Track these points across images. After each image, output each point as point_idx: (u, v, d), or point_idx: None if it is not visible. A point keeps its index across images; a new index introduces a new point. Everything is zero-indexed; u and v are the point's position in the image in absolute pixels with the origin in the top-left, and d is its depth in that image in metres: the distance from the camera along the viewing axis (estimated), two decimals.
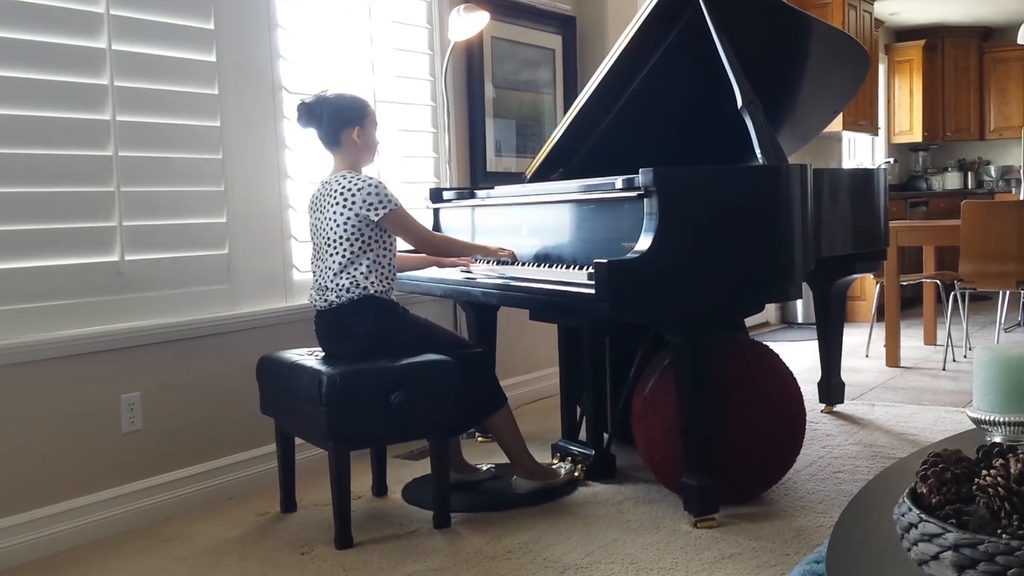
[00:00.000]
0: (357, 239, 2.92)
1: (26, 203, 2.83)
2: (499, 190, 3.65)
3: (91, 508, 2.92)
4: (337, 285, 2.94)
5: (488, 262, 3.34)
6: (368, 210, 2.90)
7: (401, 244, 3.13)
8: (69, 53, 2.92)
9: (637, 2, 5.27)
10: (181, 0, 3.21)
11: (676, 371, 2.85)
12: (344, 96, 3.06)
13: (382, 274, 2.98)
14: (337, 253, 2.94)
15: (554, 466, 3.30)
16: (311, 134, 3.06)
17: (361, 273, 2.93)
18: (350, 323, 2.94)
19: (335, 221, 2.94)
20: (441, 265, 3.42)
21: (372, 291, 2.94)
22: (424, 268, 3.49)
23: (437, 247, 3.27)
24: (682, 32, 3.29)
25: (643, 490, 3.20)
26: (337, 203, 2.94)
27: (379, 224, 2.93)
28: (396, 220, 2.96)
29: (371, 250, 2.95)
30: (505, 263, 3.28)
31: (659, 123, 3.58)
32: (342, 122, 2.99)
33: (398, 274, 3.15)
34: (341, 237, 2.93)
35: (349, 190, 2.92)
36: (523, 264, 3.23)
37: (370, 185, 2.92)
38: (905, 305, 6.42)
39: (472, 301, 3.63)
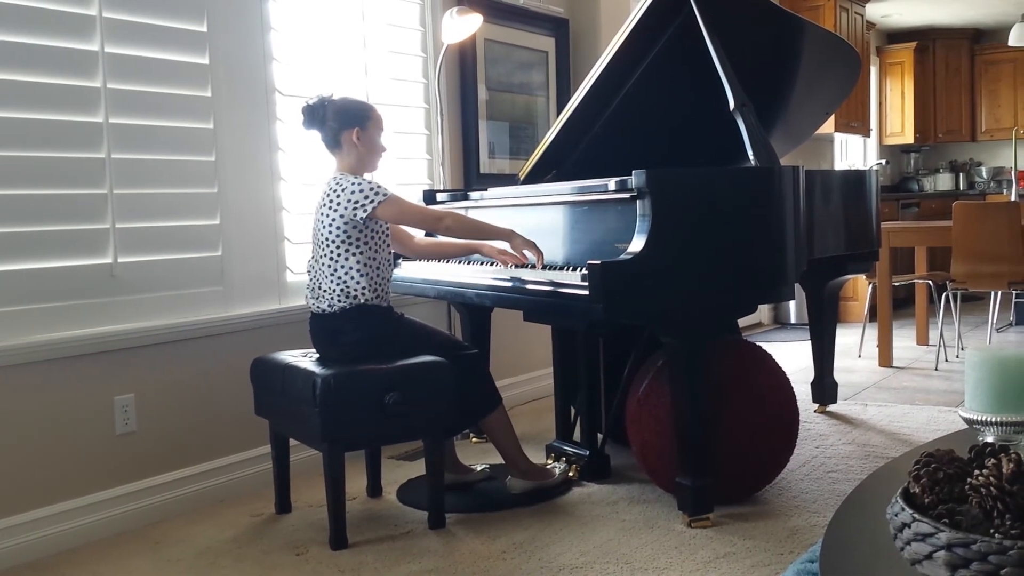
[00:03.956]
0: (343, 241, 2.92)
1: (19, 205, 2.83)
2: (492, 192, 3.65)
3: (85, 510, 2.92)
4: (329, 291, 2.94)
5: (493, 263, 3.20)
6: (355, 209, 2.89)
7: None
8: (62, 56, 2.92)
9: (630, 4, 5.28)
10: (174, 2, 3.21)
11: (670, 372, 2.86)
12: (349, 99, 3.06)
13: (372, 278, 2.97)
14: (326, 255, 2.95)
15: (549, 466, 3.30)
16: (312, 137, 3.06)
17: (352, 278, 2.93)
18: (343, 331, 2.95)
19: (323, 223, 2.95)
20: (482, 252, 3.20)
21: (363, 299, 2.94)
22: (465, 255, 3.31)
23: (444, 224, 3.04)
24: (675, 34, 3.30)
25: (637, 490, 3.21)
26: (325, 205, 2.95)
27: (367, 222, 2.92)
28: (389, 209, 2.92)
29: (359, 252, 2.94)
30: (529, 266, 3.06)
31: (652, 125, 3.58)
32: (342, 123, 2.99)
33: (437, 263, 3.09)
34: (327, 239, 2.94)
35: (336, 191, 2.93)
36: (517, 266, 3.23)
37: (355, 184, 2.91)
38: (897, 306, 6.44)
39: (466, 302, 3.63)
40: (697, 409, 2.78)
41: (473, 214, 3.64)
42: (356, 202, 2.89)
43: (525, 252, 3.06)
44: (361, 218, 2.90)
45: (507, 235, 3.08)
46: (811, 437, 3.84)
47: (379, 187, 2.93)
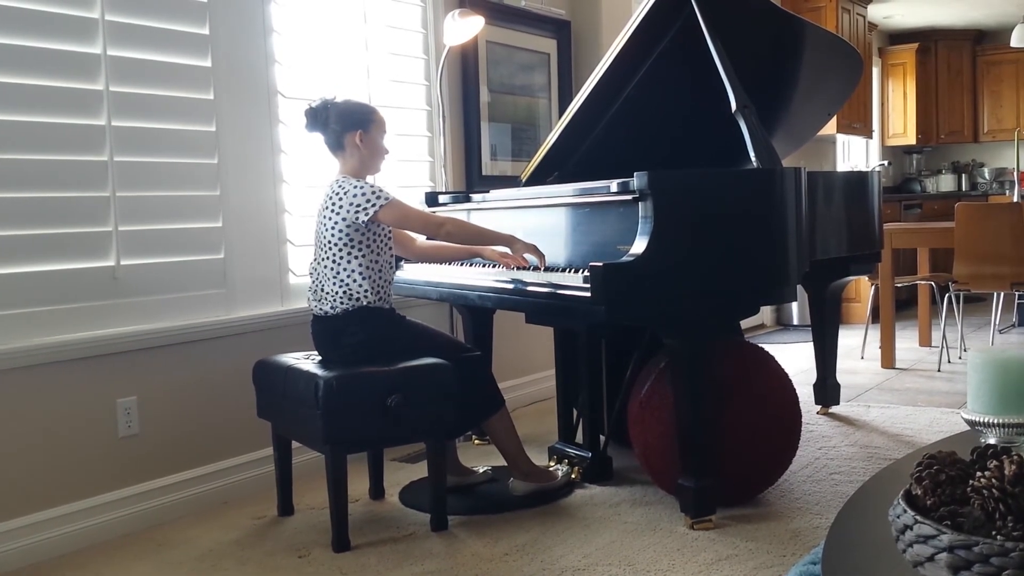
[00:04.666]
0: (346, 244, 2.92)
1: (22, 208, 2.83)
2: (495, 194, 3.65)
3: (88, 512, 2.92)
4: (332, 293, 2.94)
5: (495, 265, 3.22)
6: (357, 212, 2.90)
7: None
8: (65, 58, 2.93)
9: (632, 6, 5.28)
10: (176, 5, 3.22)
11: (672, 373, 2.85)
12: (351, 102, 3.07)
13: (374, 280, 2.97)
14: (328, 258, 2.95)
15: (551, 468, 3.30)
16: (315, 139, 3.06)
17: (354, 280, 2.93)
18: (345, 333, 2.95)
19: (325, 226, 2.95)
20: (483, 256, 3.23)
21: (366, 302, 2.94)
22: (466, 258, 3.34)
23: (445, 230, 3.02)
24: (677, 36, 3.30)
25: (640, 492, 3.20)
26: (327, 207, 2.95)
27: (369, 225, 2.92)
28: (391, 213, 2.93)
29: (362, 254, 2.94)
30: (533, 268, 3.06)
31: (654, 127, 3.58)
32: (345, 126, 2.99)
33: (439, 265, 3.09)
34: (330, 242, 2.94)
35: (338, 194, 2.93)
36: (518, 267, 3.23)
37: (357, 187, 2.91)
38: (900, 307, 6.43)
39: (468, 304, 3.63)
40: (699, 410, 2.78)
41: (475, 216, 3.64)
42: (358, 205, 2.89)
43: (526, 256, 3.06)
44: (363, 221, 2.90)
45: (508, 240, 3.08)
46: (813, 439, 3.84)
47: (381, 191, 2.93)
